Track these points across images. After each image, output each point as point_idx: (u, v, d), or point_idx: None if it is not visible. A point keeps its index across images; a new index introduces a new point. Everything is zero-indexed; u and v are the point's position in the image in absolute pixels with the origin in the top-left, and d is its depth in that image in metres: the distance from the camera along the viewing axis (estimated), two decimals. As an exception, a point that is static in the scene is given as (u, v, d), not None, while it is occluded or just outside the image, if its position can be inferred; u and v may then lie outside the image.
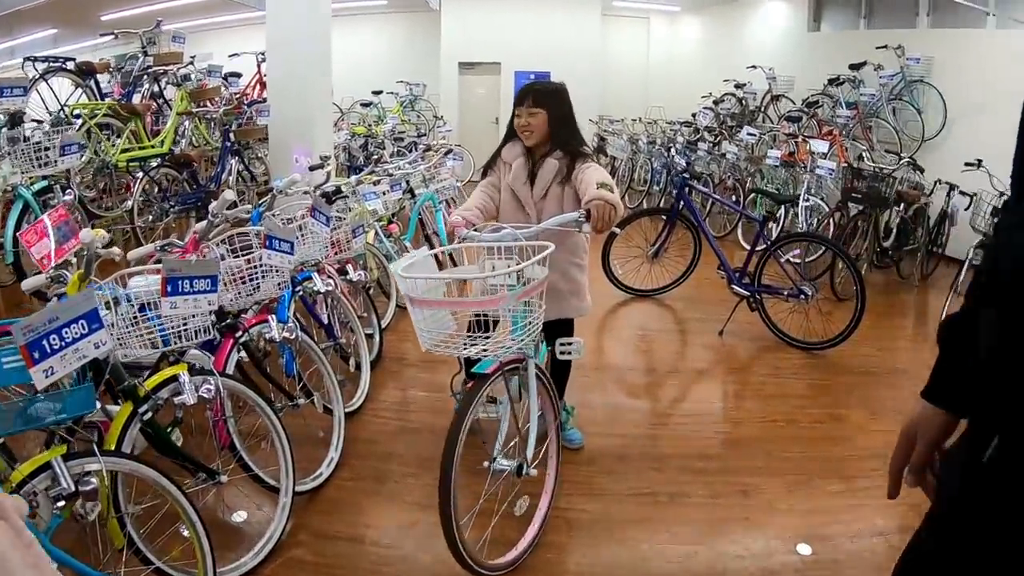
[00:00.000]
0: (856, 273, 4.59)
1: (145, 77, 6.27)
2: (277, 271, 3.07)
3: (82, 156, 4.41)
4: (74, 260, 2.47)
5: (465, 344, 2.33)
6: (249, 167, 6.47)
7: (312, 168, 4.55)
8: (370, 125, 10.97)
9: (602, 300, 5.63)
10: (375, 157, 6.45)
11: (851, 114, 8.27)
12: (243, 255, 3.04)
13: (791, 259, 4.92)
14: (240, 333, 2.92)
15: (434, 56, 13.34)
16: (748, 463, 3.29)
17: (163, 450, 2.36)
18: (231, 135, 5.96)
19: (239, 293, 3.02)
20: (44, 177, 4.35)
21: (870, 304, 4.60)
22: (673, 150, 9.00)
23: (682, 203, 5.39)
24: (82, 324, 1.96)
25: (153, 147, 5.70)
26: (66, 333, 1.92)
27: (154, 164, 5.44)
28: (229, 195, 2.73)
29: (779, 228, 6.59)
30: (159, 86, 6.39)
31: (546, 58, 12.83)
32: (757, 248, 4.92)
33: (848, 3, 9.74)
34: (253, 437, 2.88)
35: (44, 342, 1.86)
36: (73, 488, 1.88)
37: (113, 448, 2.15)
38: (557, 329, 3.09)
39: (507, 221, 2.97)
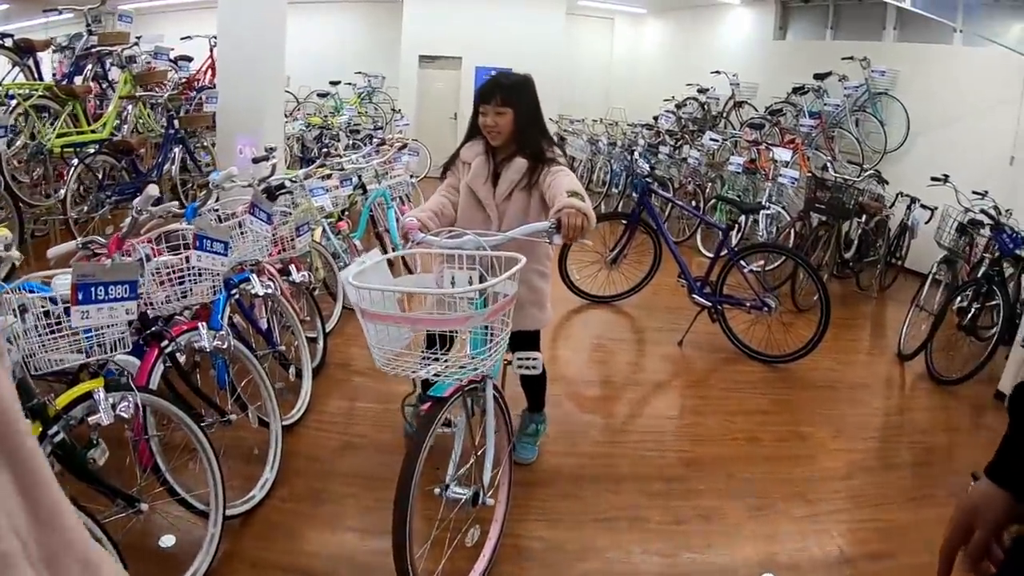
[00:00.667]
0: (821, 286, 4.49)
1: (89, 57, 5.91)
2: (211, 273, 2.84)
3: (10, 141, 4.05)
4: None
5: (421, 364, 2.13)
6: (194, 156, 6.13)
7: (256, 160, 4.28)
8: (326, 116, 10.69)
9: (558, 306, 5.38)
10: (326, 150, 6.18)
11: (814, 123, 8.24)
12: (176, 255, 2.80)
13: (754, 269, 4.80)
14: (166, 343, 2.67)
15: (394, 48, 13.05)
16: (709, 485, 3.15)
17: (78, 474, 2.09)
18: (176, 122, 5.63)
19: (167, 298, 2.77)
20: None
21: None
22: (636, 153, 8.87)
23: (643, 208, 5.25)
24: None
25: (92, 132, 5.35)
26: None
27: (91, 151, 5.10)
28: (152, 190, 2.46)
29: (739, 236, 6.50)
30: (103, 67, 6.02)
31: (508, 55, 12.58)
32: (720, 256, 4.79)
33: (815, 13, 9.72)
34: (183, 454, 2.62)
35: None
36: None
37: None
38: (521, 341, 2.95)
39: (465, 223, 2.76)
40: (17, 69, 5.42)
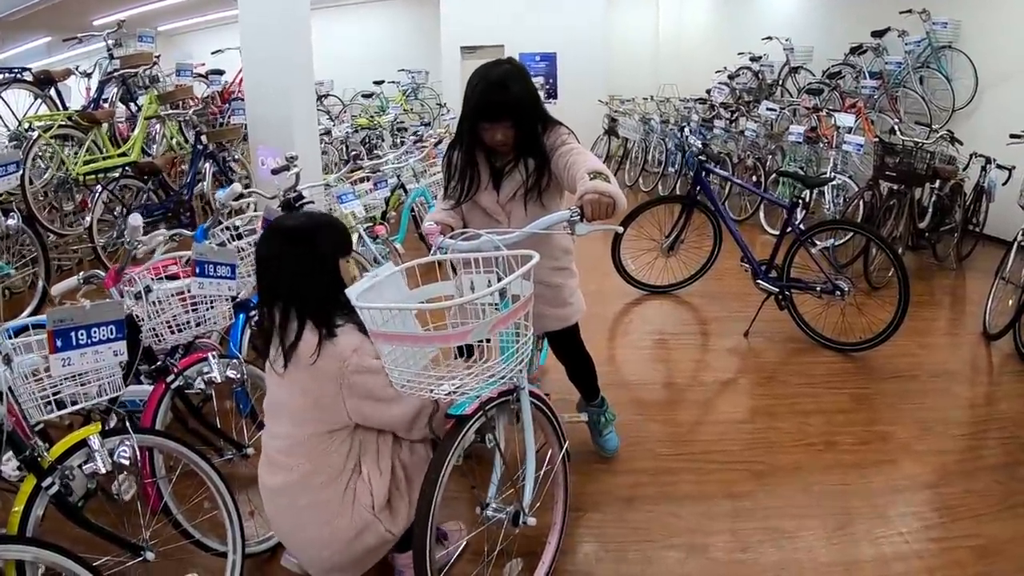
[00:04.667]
0: (898, 263, 4.02)
1: (112, 81, 5.84)
2: (222, 299, 2.64)
3: (39, 173, 3.96)
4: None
5: (433, 384, 1.90)
6: (227, 170, 6.01)
7: (275, 171, 4.08)
8: (372, 116, 10.60)
9: (614, 299, 5.18)
10: (355, 152, 6.00)
11: (876, 84, 7.65)
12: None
13: (824, 248, 4.34)
14: (173, 377, 2.48)
15: (435, 42, 12.88)
16: (783, 501, 2.81)
17: (78, 524, 1.99)
18: (203, 137, 5.50)
19: (178, 327, 2.59)
20: None
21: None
22: (687, 130, 8.41)
23: (699, 188, 4.86)
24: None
25: (121, 156, 5.26)
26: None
27: (116, 176, 5.02)
28: (134, 220, 2.29)
29: (804, 212, 6.03)
30: (129, 90, 5.94)
31: (551, 38, 12.33)
32: (785, 234, 4.39)
33: (868, -35, 9.07)
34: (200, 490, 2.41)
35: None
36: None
37: (15, 533, 1.85)
38: (555, 343, 2.87)
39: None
40: (39, 102, 5.38)
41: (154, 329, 2.51)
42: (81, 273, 2.67)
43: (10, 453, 1.88)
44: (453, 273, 2.15)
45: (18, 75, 5.17)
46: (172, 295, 2.51)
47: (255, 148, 5.57)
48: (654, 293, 5.33)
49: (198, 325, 2.64)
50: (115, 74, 5.86)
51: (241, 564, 2.28)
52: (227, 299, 2.66)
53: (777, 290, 4.35)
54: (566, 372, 3.01)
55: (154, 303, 2.45)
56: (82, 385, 2.01)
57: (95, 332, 1.99)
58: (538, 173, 2.47)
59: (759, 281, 4.44)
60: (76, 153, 5.04)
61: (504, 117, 2.36)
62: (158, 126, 5.69)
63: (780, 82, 9.55)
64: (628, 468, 3.05)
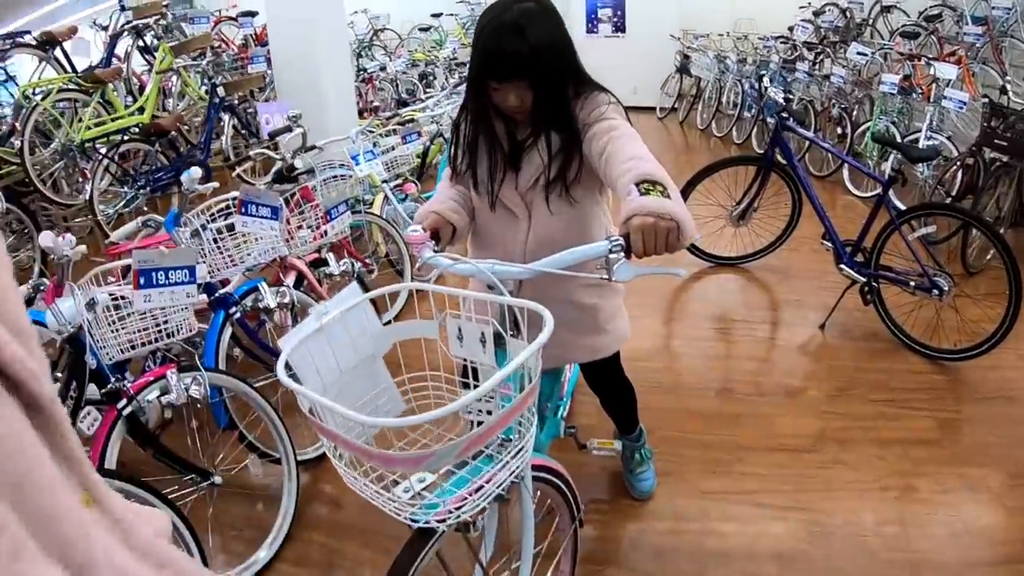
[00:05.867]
0: (1009, 259, 3.28)
1: (125, 35, 5.48)
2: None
3: (43, 144, 4.00)
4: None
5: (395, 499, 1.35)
6: (248, 123, 5.57)
7: (272, 134, 3.62)
8: (431, 50, 10.09)
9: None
10: (375, 104, 5.53)
11: (980, 31, 6.60)
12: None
13: (922, 235, 3.63)
14: (125, 402, 2.12)
15: None
16: (844, 564, 2.29)
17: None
18: (219, 90, 5.06)
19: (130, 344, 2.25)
20: None
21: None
22: (766, 79, 7.49)
23: (777, 148, 4.18)
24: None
25: (133, 115, 4.93)
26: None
27: (117, 141, 4.67)
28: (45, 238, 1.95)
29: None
30: (145, 43, 5.56)
31: (617, -36, 11.35)
32: (877, 213, 3.71)
33: None
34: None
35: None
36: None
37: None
38: (588, 373, 2.35)
39: (488, 235, 2.01)
40: (44, 65, 5.13)
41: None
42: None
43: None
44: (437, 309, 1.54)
45: (17, 39, 4.88)
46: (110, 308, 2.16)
47: (282, 97, 5.11)
48: (720, 265, 4.67)
49: (156, 340, 2.29)
50: (127, 26, 5.47)
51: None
52: (184, 308, 2.27)
53: (864, 280, 3.72)
54: (600, 401, 2.51)
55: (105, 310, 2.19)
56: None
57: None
58: (564, 156, 1.83)
59: (842, 266, 3.81)
60: (78, 119, 4.75)
61: (517, 74, 1.73)
62: (174, 78, 5.29)
63: (871, 22, 8.54)
64: (663, 509, 2.58)
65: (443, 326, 1.51)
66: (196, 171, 2.56)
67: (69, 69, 5.12)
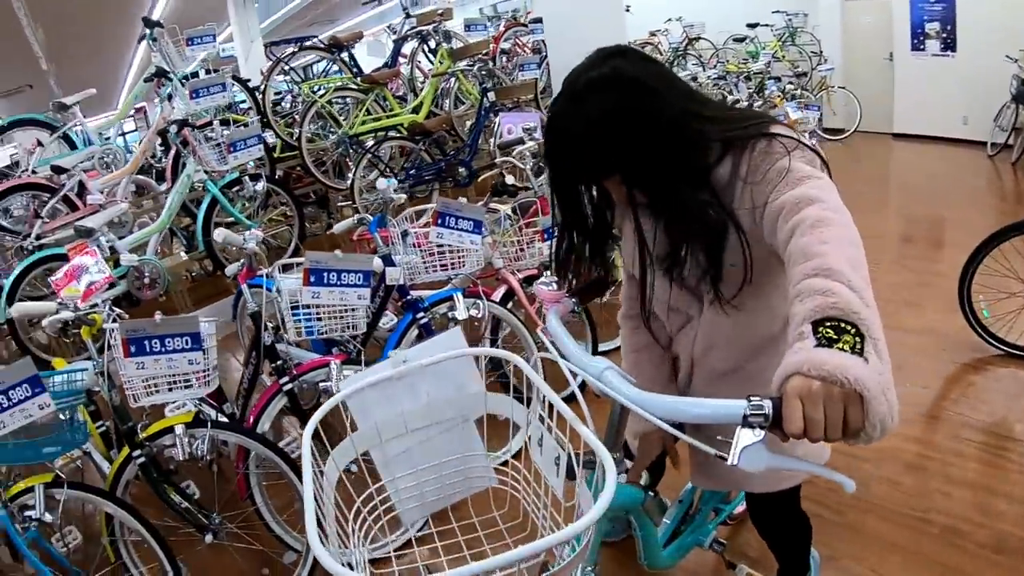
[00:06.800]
0: None
1: (407, 40, 6.07)
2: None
3: (256, 149, 4.42)
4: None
5: None
6: (521, 127, 5.82)
7: (502, 146, 3.67)
8: (744, 61, 9.84)
9: (941, 353, 3.52)
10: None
11: None
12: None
13: None
14: (287, 380, 2.43)
15: None
16: None
17: (159, 495, 2.37)
18: (489, 94, 5.30)
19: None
20: (236, 168, 4.44)
21: None
22: None
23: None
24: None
25: (400, 115, 5.42)
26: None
27: (382, 137, 5.16)
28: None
29: None
30: (428, 47, 6.09)
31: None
32: None
33: None
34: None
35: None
36: (43, 515, 2.16)
37: (108, 488, 2.32)
38: (755, 501, 1.80)
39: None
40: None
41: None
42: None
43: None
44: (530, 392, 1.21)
45: (303, 43, 5.69)
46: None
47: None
48: (1012, 357, 3.42)
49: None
50: (411, 31, 5.98)
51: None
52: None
53: None
54: (755, 526, 1.94)
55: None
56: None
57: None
58: (710, 249, 1.34)
59: None
60: (354, 115, 5.34)
61: (598, 176, 1.36)
62: (451, 80, 5.68)
63: None
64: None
65: (529, 418, 1.23)
66: (392, 182, 2.75)
67: (353, 71, 5.77)
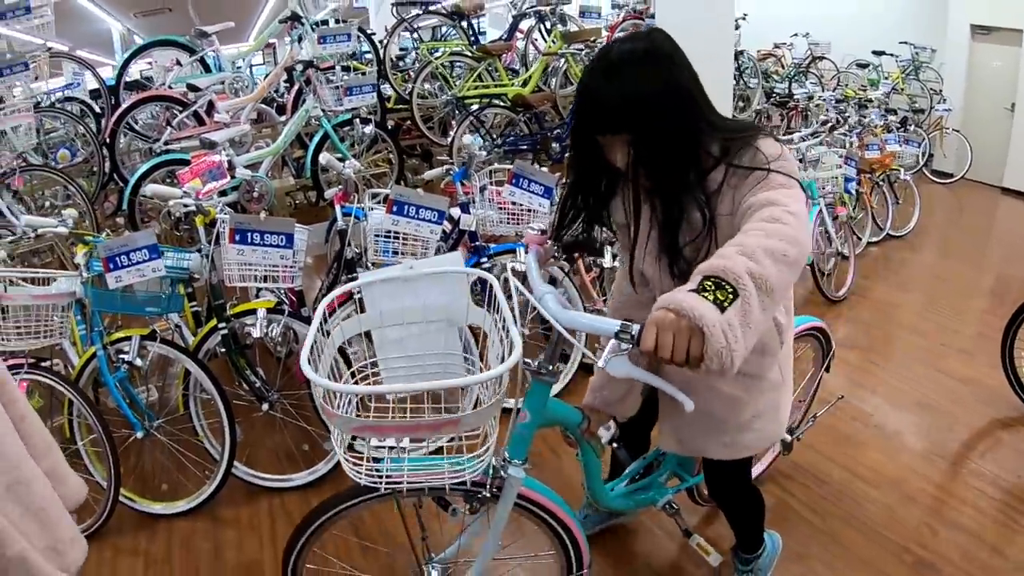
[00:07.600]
0: None
1: (525, 17, 6.45)
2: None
3: (371, 96, 4.83)
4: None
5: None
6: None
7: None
8: (863, 88, 9.57)
9: (973, 410, 3.38)
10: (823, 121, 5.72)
11: None
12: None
13: None
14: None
15: (943, 12, 10.72)
16: None
17: (232, 363, 2.84)
18: (586, 78, 5.55)
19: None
20: (350, 111, 4.84)
21: None
22: None
23: None
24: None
25: (508, 86, 5.75)
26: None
27: (485, 103, 5.52)
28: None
29: None
30: (545, 27, 6.42)
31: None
32: None
33: None
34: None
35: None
36: (135, 359, 2.66)
37: (193, 350, 2.82)
38: (710, 468, 2.02)
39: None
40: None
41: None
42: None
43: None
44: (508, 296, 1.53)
45: (428, 6, 6.17)
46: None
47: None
48: None
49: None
50: (529, 9, 6.32)
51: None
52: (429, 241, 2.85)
53: None
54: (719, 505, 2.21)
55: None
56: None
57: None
58: (674, 224, 1.57)
59: None
60: (465, 80, 5.76)
61: (611, 126, 1.49)
62: (560, 61, 5.93)
63: None
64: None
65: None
66: (477, 139, 3.33)
67: (471, 39, 6.19)
